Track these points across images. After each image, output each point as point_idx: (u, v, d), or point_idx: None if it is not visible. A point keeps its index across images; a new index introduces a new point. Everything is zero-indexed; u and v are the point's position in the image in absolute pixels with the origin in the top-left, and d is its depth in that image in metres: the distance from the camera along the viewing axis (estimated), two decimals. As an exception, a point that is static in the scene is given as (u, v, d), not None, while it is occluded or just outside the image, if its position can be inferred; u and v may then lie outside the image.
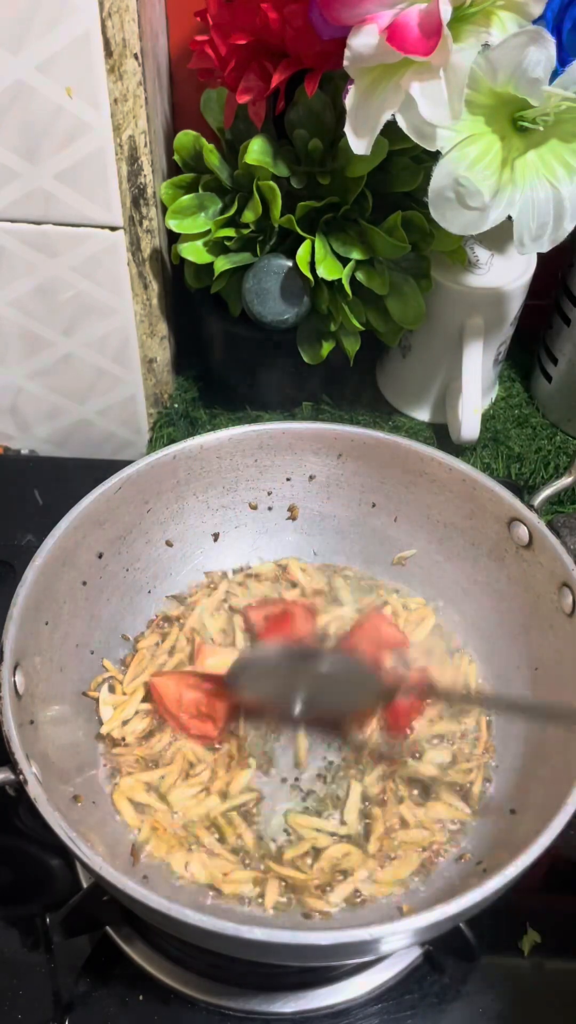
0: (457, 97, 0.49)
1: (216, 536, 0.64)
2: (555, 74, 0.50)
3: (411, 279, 0.66)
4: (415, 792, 0.54)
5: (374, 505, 0.63)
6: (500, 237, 0.66)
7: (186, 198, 0.65)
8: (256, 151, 0.61)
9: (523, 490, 0.73)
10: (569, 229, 0.55)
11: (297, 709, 0.54)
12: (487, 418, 0.77)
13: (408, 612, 0.62)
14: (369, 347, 0.71)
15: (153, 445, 0.78)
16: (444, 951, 0.52)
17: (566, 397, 0.76)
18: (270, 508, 0.65)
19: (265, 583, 0.64)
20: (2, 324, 0.70)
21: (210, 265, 0.66)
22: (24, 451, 0.82)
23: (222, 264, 0.65)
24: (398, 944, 0.43)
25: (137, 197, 0.63)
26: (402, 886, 0.50)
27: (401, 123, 0.51)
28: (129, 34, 0.55)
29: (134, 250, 0.66)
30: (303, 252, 0.62)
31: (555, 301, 0.74)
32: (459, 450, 0.74)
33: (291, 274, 0.64)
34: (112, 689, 0.57)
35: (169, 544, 0.62)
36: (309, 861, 0.51)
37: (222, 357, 0.75)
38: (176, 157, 0.66)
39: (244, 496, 0.64)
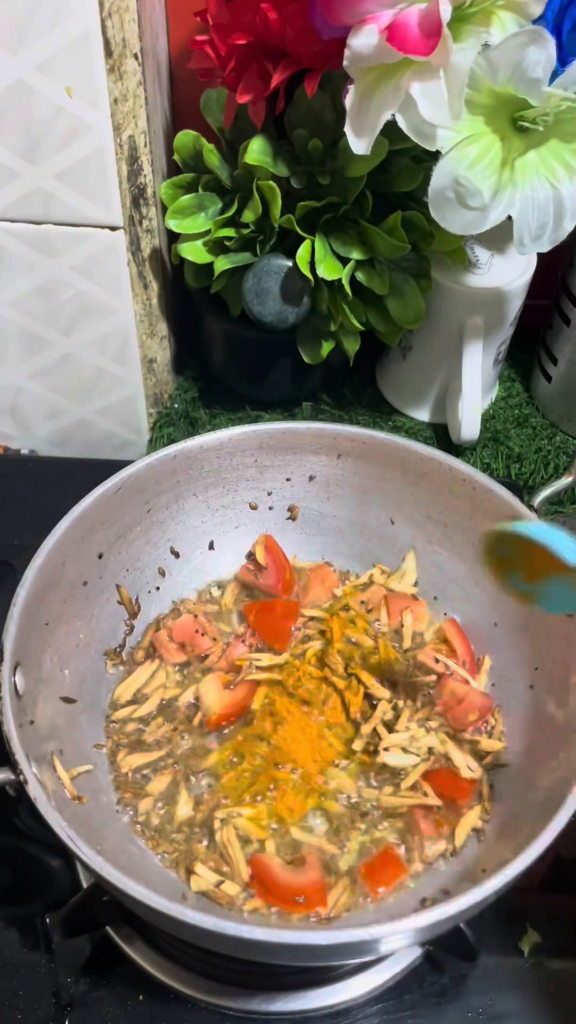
0: (457, 97, 0.49)
1: (217, 537, 0.64)
2: (555, 74, 0.50)
3: (411, 279, 0.66)
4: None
5: (374, 505, 0.63)
6: (500, 237, 0.66)
7: (186, 198, 0.65)
8: (256, 151, 0.61)
9: (523, 490, 0.73)
10: (569, 229, 0.55)
11: None
12: (487, 418, 0.77)
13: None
14: (369, 347, 0.71)
15: (153, 445, 0.78)
16: (444, 951, 0.52)
17: (566, 397, 0.76)
18: (270, 508, 0.65)
19: None
20: (2, 324, 0.70)
21: (210, 265, 0.66)
22: (24, 451, 0.82)
23: (222, 264, 0.65)
24: (398, 944, 0.43)
25: (137, 197, 0.63)
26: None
27: (401, 123, 0.51)
28: (129, 34, 0.55)
29: (134, 250, 0.66)
30: (303, 252, 0.62)
31: (555, 301, 0.74)
32: (459, 450, 0.74)
33: (291, 274, 0.64)
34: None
35: (174, 552, 0.62)
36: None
37: (222, 357, 0.75)
38: (176, 157, 0.66)
39: (244, 496, 0.64)
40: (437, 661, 0.59)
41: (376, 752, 0.55)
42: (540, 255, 0.66)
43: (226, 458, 0.61)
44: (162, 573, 0.62)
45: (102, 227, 0.64)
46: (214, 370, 0.77)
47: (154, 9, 0.61)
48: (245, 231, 0.64)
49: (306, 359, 0.69)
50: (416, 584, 0.63)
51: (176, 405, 0.78)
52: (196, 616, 0.61)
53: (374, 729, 0.56)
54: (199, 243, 0.66)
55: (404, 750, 0.55)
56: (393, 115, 0.50)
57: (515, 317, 0.71)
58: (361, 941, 0.40)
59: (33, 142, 0.59)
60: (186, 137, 0.65)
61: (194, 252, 0.66)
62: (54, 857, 0.56)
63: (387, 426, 0.77)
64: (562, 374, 0.75)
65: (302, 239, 0.63)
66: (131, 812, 0.53)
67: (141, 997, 0.51)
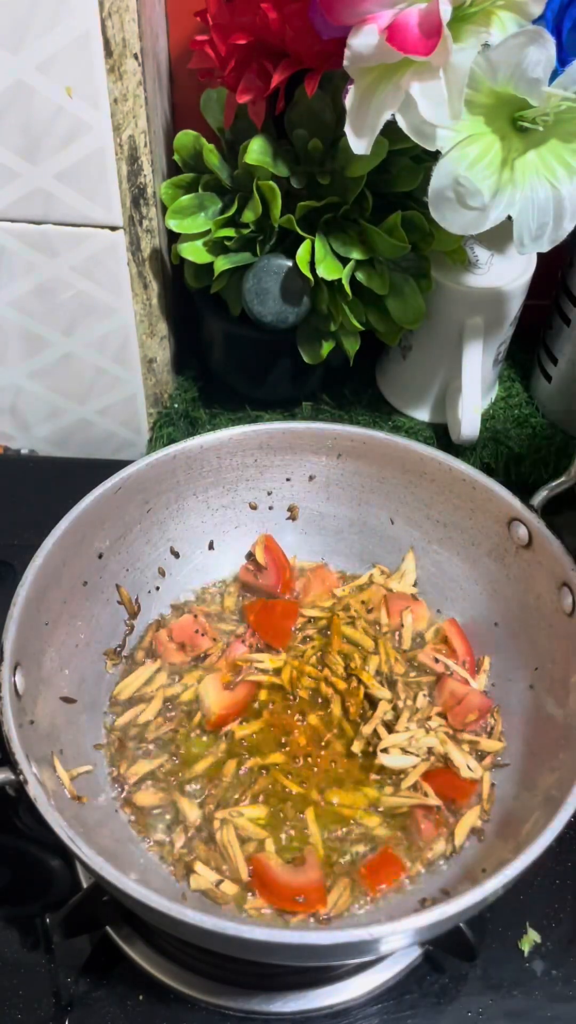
0: (457, 97, 0.49)
1: (216, 537, 0.64)
2: (555, 74, 0.50)
3: (411, 279, 0.66)
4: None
5: (374, 505, 0.63)
6: (500, 237, 0.66)
7: (186, 198, 0.65)
8: (256, 151, 0.61)
9: (523, 490, 0.73)
10: (569, 229, 0.55)
11: None
12: (487, 418, 0.77)
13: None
14: (369, 347, 0.71)
15: (153, 445, 0.78)
16: (444, 951, 0.52)
17: (566, 397, 0.76)
18: (270, 508, 0.65)
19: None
20: (2, 324, 0.70)
21: (210, 265, 0.66)
22: (24, 451, 0.82)
23: (222, 264, 0.65)
24: (398, 944, 0.43)
25: (137, 197, 0.63)
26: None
27: (401, 123, 0.51)
28: (129, 34, 0.55)
29: (134, 250, 0.66)
30: (303, 252, 0.62)
31: (555, 301, 0.74)
32: (459, 450, 0.74)
33: (291, 274, 0.64)
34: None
35: (174, 552, 0.62)
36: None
37: (222, 357, 0.75)
38: (176, 157, 0.66)
39: (244, 496, 0.64)
40: (437, 661, 0.59)
41: (376, 752, 0.55)
42: (540, 255, 0.66)
43: (226, 458, 0.61)
44: (162, 573, 0.62)
45: (102, 227, 0.64)
46: (214, 370, 0.77)
47: (154, 9, 0.61)
48: (245, 231, 0.64)
49: (306, 359, 0.69)
50: (416, 584, 0.63)
51: (176, 405, 0.78)
52: (196, 616, 0.61)
53: (374, 729, 0.56)
54: (199, 243, 0.66)
55: (404, 750, 0.55)
56: (393, 115, 0.50)
57: (515, 317, 0.71)
58: (361, 941, 0.40)
59: (33, 142, 0.59)
60: (186, 137, 0.65)
61: (194, 252, 0.66)
62: (54, 857, 0.56)
63: (387, 426, 0.77)
64: (562, 374, 0.75)
65: (302, 239, 0.63)
66: (131, 812, 0.53)
67: (141, 997, 0.51)
